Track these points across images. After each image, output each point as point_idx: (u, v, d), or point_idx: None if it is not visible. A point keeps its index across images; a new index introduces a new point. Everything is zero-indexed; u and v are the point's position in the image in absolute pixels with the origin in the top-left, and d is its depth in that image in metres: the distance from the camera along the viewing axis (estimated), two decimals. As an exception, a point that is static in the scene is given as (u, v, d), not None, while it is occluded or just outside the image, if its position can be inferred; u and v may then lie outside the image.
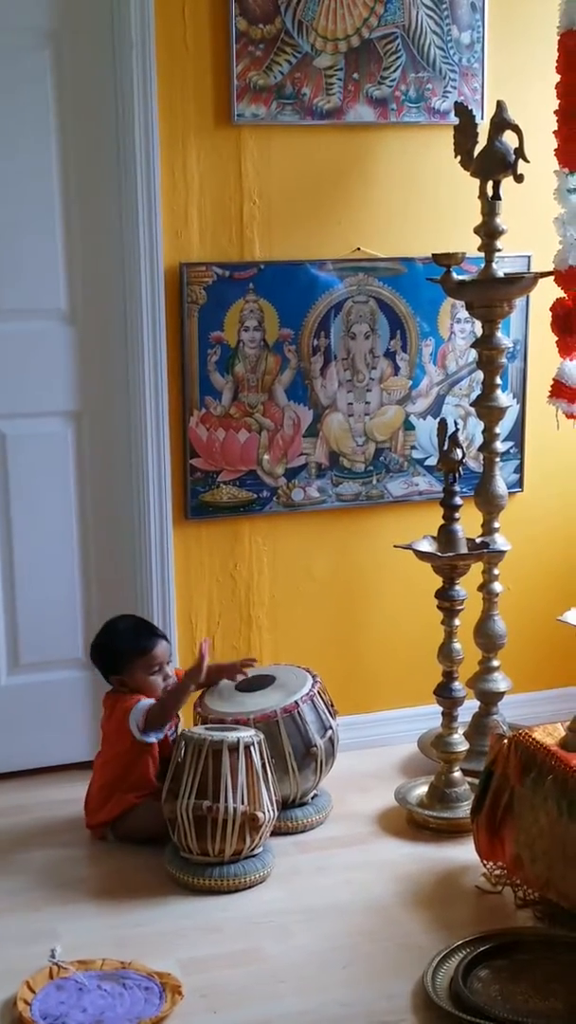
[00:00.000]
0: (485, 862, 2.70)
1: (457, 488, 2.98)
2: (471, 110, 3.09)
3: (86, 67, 3.08)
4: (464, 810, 2.98)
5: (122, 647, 3.02)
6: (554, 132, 3.02)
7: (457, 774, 3.08)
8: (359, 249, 3.29)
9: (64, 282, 3.17)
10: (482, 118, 3.21)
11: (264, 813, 2.78)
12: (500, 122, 3.00)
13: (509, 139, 3.00)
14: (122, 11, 3.01)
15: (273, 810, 2.83)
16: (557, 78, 3.01)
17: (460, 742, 3.07)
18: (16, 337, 3.16)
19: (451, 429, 2.99)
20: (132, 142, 3.06)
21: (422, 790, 3.13)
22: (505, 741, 2.64)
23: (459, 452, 2.95)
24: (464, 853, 2.86)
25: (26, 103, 3.06)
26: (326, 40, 3.15)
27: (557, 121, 3.02)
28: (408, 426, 3.40)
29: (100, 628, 3.10)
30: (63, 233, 3.14)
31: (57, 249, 3.15)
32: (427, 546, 2.98)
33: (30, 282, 3.14)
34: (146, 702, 2.96)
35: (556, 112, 3.01)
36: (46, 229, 3.13)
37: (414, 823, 3.06)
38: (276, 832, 2.92)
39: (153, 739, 2.97)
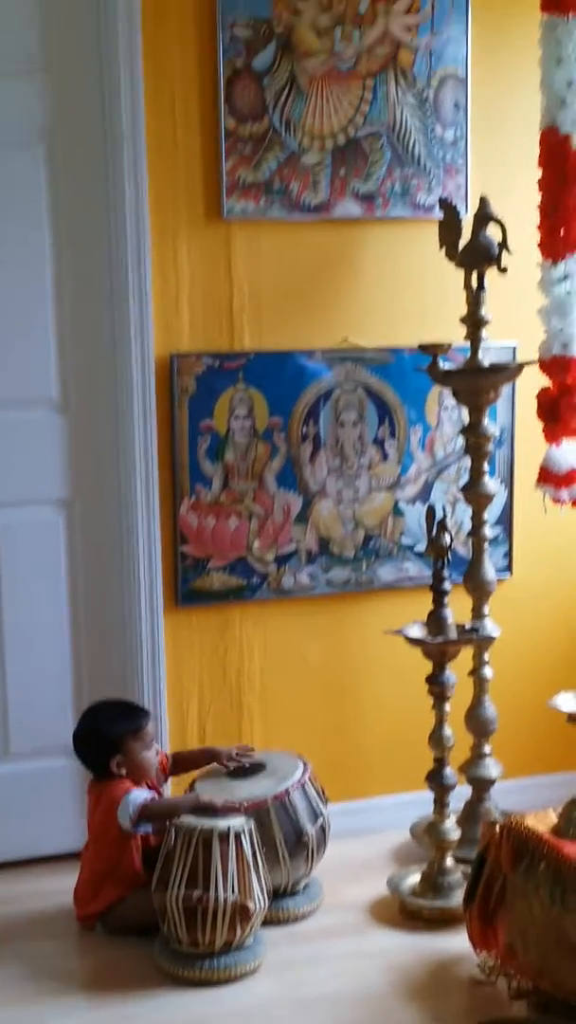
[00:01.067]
0: (479, 951, 2.67)
1: (446, 573, 2.99)
2: (455, 205, 3.16)
3: (78, 163, 3.16)
4: (457, 898, 2.94)
5: (117, 729, 2.99)
6: (537, 225, 3.10)
7: (450, 862, 3.05)
8: (347, 339, 3.35)
9: (56, 372, 3.22)
10: (466, 212, 3.29)
11: (255, 903, 2.75)
12: (484, 216, 3.07)
13: (493, 232, 3.07)
14: (113, 109, 3.09)
15: (264, 900, 2.80)
16: (539, 173, 3.09)
17: (453, 829, 3.05)
18: (8, 426, 3.20)
19: (439, 515, 3.02)
20: (124, 235, 3.13)
21: (415, 878, 3.10)
22: (497, 828, 2.62)
23: (447, 538, 2.98)
24: (458, 942, 2.82)
25: (19, 197, 3.13)
26: (313, 138, 3.24)
27: (540, 214, 3.09)
28: (397, 512, 3.43)
29: (81, 718, 3.08)
30: (55, 323, 3.20)
31: (49, 339, 3.20)
32: (417, 632, 2.99)
33: (22, 371, 3.19)
34: (139, 793, 2.93)
35: (539, 206, 3.09)
36: (39, 319, 3.18)
37: (407, 912, 3.03)
38: (267, 922, 2.89)
39: (142, 831, 2.94)
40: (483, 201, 3.07)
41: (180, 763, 3.16)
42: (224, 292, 3.23)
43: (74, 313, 3.21)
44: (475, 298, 3.10)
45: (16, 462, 3.21)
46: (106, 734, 3.00)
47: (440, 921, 2.98)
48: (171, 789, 3.20)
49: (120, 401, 3.21)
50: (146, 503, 3.21)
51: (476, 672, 3.25)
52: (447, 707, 3.01)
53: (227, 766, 3.09)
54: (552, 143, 3.07)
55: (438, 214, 3.18)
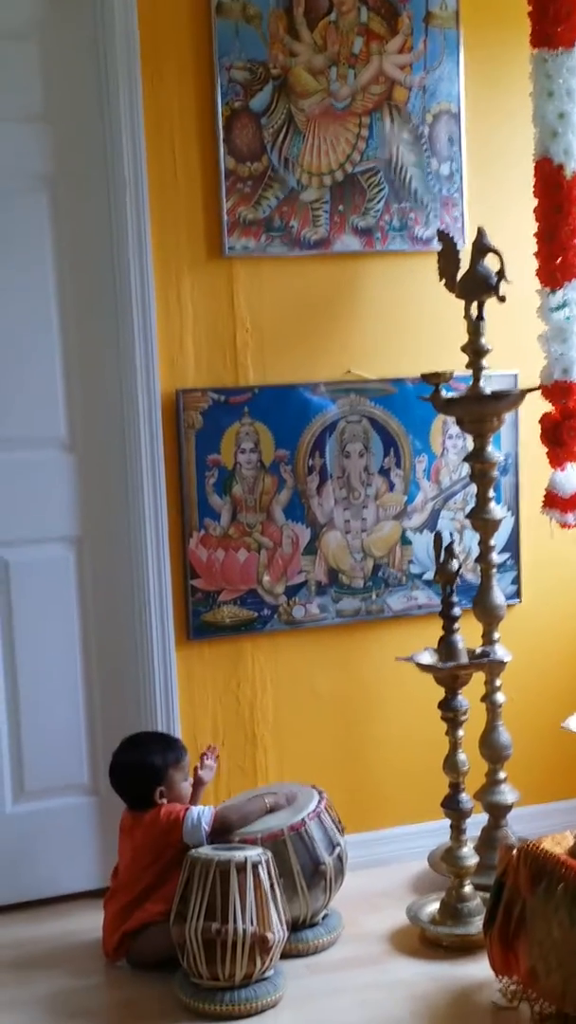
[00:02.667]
0: (500, 977, 2.66)
1: (455, 599, 3.01)
2: (453, 237, 3.21)
3: (81, 206, 3.21)
4: (477, 925, 2.94)
5: (160, 760, 3.02)
6: (534, 253, 3.14)
7: (468, 888, 3.05)
8: (350, 371, 3.38)
9: (64, 411, 3.25)
10: (464, 243, 3.34)
11: (274, 934, 2.74)
12: (481, 247, 3.11)
13: (491, 262, 3.11)
14: (115, 153, 3.15)
15: (283, 930, 2.80)
16: (534, 202, 3.14)
17: (470, 855, 3.04)
18: (17, 465, 3.23)
19: (447, 541, 3.04)
20: (127, 275, 3.17)
21: (434, 907, 3.09)
22: (514, 852, 2.62)
23: (455, 563, 2.99)
24: (479, 969, 2.82)
25: (24, 241, 3.18)
26: (311, 175, 3.29)
27: (537, 243, 3.13)
28: (405, 541, 3.45)
29: (119, 751, 3.08)
30: (62, 363, 3.24)
31: (56, 379, 3.24)
32: (428, 658, 3.00)
33: (30, 411, 3.23)
34: (206, 808, 2.95)
35: (535, 235, 3.14)
36: (46, 360, 3.23)
37: (427, 941, 3.02)
38: (287, 954, 2.88)
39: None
40: (480, 232, 3.12)
41: None
42: (227, 328, 3.27)
43: (80, 353, 3.25)
44: (475, 327, 3.14)
45: (26, 501, 3.24)
46: (151, 764, 3.02)
47: (460, 948, 2.97)
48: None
49: (127, 438, 3.24)
50: (155, 538, 3.24)
51: (488, 697, 3.26)
52: (461, 732, 3.02)
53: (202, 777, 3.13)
54: (546, 173, 3.11)
55: (436, 246, 3.23)
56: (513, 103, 3.34)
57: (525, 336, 3.24)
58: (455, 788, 3.04)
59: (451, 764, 3.02)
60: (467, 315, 3.15)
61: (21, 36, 3.13)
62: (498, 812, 3.28)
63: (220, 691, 3.34)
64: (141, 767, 3.02)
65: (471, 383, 3.19)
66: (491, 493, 3.23)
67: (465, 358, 3.17)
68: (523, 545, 3.56)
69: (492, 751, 3.27)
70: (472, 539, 3.38)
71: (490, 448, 3.20)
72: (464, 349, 3.16)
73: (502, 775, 3.28)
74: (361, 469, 3.40)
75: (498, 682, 3.26)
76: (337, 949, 3.02)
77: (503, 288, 3.09)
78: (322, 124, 3.29)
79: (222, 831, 2.92)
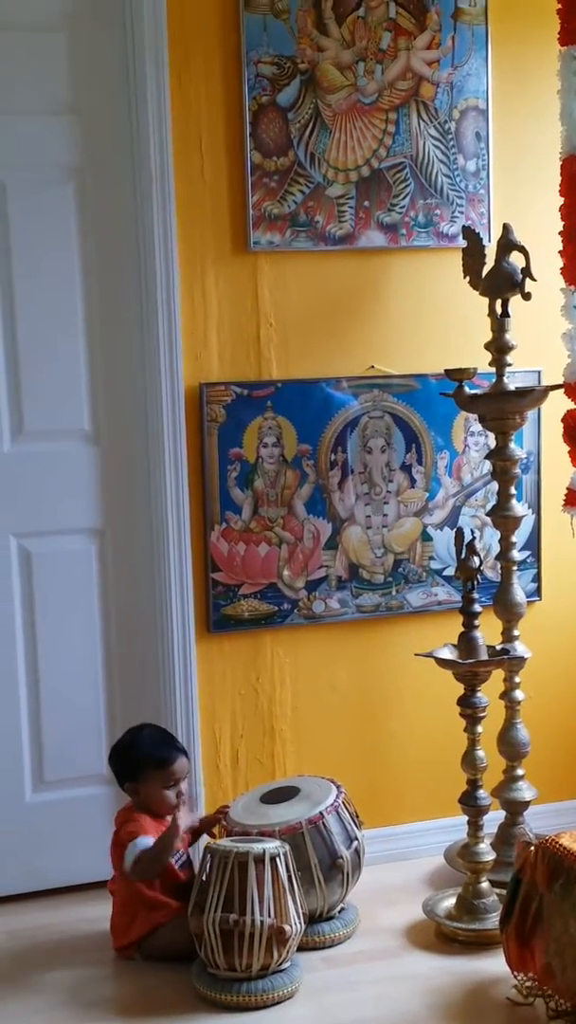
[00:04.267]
0: (516, 973, 2.66)
1: (476, 596, 3.01)
2: (478, 233, 3.21)
3: (108, 199, 3.23)
4: (493, 921, 2.95)
5: (142, 755, 3.01)
6: (559, 251, 3.13)
7: (485, 885, 3.05)
8: (373, 367, 3.39)
9: (87, 404, 3.27)
10: (489, 240, 3.34)
11: (291, 926, 2.76)
12: (507, 244, 3.11)
13: (516, 259, 3.11)
14: (142, 147, 3.16)
15: (300, 923, 2.81)
16: (560, 200, 3.14)
17: (487, 852, 3.05)
18: (41, 457, 3.25)
19: (468, 537, 3.04)
20: (153, 269, 3.18)
21: (450, 902, 3.10)
22: (532, 848, 2.63)
23: (476, 560, 3.00)
24: (494, 964, 2.82)
25: (51, 234, 3.20)
26: (337, 171, 3.30)
27: (562, 241, 3.13)
28: (426, 537, 3.46)
29: (124, 732, 3.10)
30: (87, 357, 3.25)
31: (81, 372, 3.25)
32: (448, 654, 3.01)
33: (55, 404, 3.25)
34: (143, 841, 2.92)
35: (561, 233, 3.13)
36: (70, 353, 3.24)
37: (443, 936, 3.03)
38: (304, 947, 2.89)
39: (140, 878, 2.92)
40: (506, 228, 3.12)
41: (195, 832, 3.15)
42: (251, 322, 3.28)
43: (104, 346, 3.26)
44: (499, 324, 3.14)
45: (49, 492, 3.26)
46: (130, 756, 3.02)
47: (476, 944, 2.97)
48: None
49: (150, 431, 3.26)
50: (177, 531, 3.25)
51: (507, 694, 3.26)
52: (479, 728, 3.02)
53: (214, 833, 3.08)
54: (572, 171, 3.10)
55: (461, 243, 3.23)
56: (541, 100, 3.33)
57: (549, 334, 3.24)
58: (473, 784, 3.04)
59: (469, 761, 3.03)
60: (491, 312, 3.15)
61: (51, 29, 3.14)
62: (515, 809, 3.29)
63: (239, 684, 3.35)
64: (123, 756, 3.03)
65: (494, 380, 3.19)
66: (512, 490, 3.23)
67: (488, 355, 3.17)
68: (544, 543, 3.56)
69: (510, 748, 3.27)
70: (492, 536, 3.38)
71: (512, 445, 3.20)
72: (488, 346, 3.17)
73: (520, 772, 3.28)
74: (383, 465, 3.41)
75: (517, 679, 3.26)
76: (353, 942, 3.03)
77: (528, 285, 3.09)
78: (349, 119, 3.29)
79: (144, 875, 2.91)
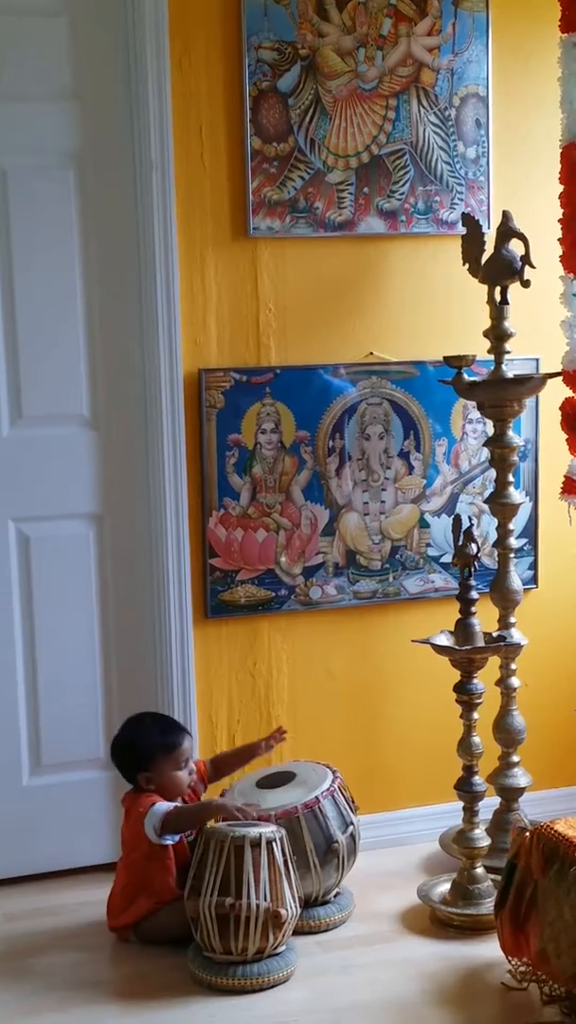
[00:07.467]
0: (510, 958, 2.68)
1: (473, 583, 3.02)
2: (478, 220, 3.20)
3: (108, 185, 3.22)
4: (488, 906, 2.96)
5: (150, 743, 3.01)
6: (559, 239, 3.13)
7: (480, 870, 3.06)
8: (372, 354, 3.39)
9: (87, 389, 3.27)
10: (488, 227, 3.34)
11: (287, 910, 2.77)
12: (506, 231, 3.11)
13: (515, 246, 3.11)
14: (142, 132, 3.15)
15: (296, 907, 2.82)
16: (560, 188, 3.13)
17: (482, 837, 3.06)
18: (40, 442, 3.25)
19: (465, 524, 3.04)
20: (152, 255, 3.18)
21: (445, 887, 3.12)
22: (527, 834, 2.64)
23: (474, 547, 3.00)
24: (489, 950, 2.84)
25: (51, 219, 3.19)
26: (337, 157, 3.30)
27: (561, 229, 3.12)
28: (423, 524, 3.46)
29: (121, 726, 3.10)
30: (86, 342, 3.25)
31: (80, 357, 3.25)
32: (444, 640, 3.02)
33: (54, 389, 3.25)
34: (162, 805, 2.94)
35: (560, 220, 3.13)
36: (70, 339, 3.24)
37: (437, 920, 3.05)
38: (299, 931, 2.91)
39: (169, 841, 2.94)
40: (506, 215, 3.12)
41: (220, 767, 3.18)
42: (251, 308, 3.28)
43: (104, 331, 3.26)
44: (498, 312, 3.14)
45: (48, 477, 3.26)
46: (138, 748, 3.02)
47: (471, 929, 2.99)
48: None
49: (149, 417, 3.26)
50: (175, 517, 3.26)
51: (503, 681, 3.27)
52: (475, 715, 3.03)
53: (268, 751, 3.13)
54: (573, 159, 3.10)
55: (461, 229, 3.23)
56: (541, 88, 3.33)
57: (547, 322, 3.24)
58: (468, 771, 3.05)
59: (465, 747, 3.04)
60: (490, 299, 3.15)
61: (51, 14, 3.13)
62: (511, 795, 3.30)
63: (236, 670, 3.36)
64: (130, 750, 3.03)
65: (493, 367, 3.19)
66: (510, 478, 3.24)
67: (487, 343, 3.18)
68: (541, 531, 3.57)
69: (506, 735, 3.28)
70: (490, 524, 3.39)
71: (510, 433, 3.21)
72: (486, 333, 3.17)
73: (515, 759, 3.30)
74: (381, 451, 3.41)
75: (513, 666, 3.27)
76: (348, 927, 3.04)
77: (527, 273, 3.09)
78: (349, 105, 3.29)
79: (172, 830, 2.93)
